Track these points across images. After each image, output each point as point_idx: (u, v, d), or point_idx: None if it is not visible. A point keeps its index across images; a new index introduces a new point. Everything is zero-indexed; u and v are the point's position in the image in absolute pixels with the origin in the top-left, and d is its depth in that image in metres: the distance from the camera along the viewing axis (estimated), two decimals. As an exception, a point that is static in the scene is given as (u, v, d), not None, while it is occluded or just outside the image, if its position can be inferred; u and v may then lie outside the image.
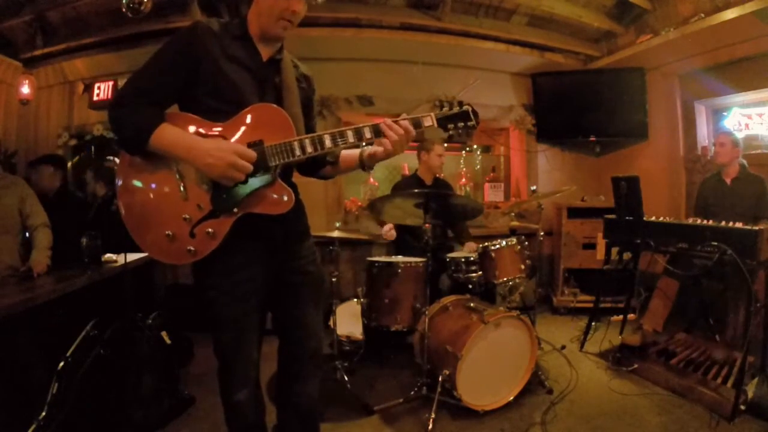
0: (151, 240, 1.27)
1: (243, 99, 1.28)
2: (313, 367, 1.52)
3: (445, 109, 1.37)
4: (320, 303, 1.55)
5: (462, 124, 1.39)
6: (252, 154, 1.22)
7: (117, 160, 1.32)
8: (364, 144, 1.39)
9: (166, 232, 1.25)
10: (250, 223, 1.28)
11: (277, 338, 1.51)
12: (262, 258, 1.37)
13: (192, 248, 1.25)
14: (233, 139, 1.25)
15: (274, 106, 1.30)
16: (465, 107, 1.38)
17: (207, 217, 1.25)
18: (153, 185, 1.28)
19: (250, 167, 1.21)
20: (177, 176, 1.26)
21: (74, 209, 3.19)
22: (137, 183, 1.28)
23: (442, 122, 1.37)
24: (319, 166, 1.54)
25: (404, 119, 1.34)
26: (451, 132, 1.39)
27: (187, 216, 1.25)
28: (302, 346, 1.48)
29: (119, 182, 1.29)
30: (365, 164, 1.46)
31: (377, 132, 1.32)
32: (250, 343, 1.40)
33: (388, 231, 3.13)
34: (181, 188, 1.26)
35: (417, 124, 1.35)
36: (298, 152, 1.26)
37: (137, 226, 1.28)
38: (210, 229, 1.25)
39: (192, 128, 1.25)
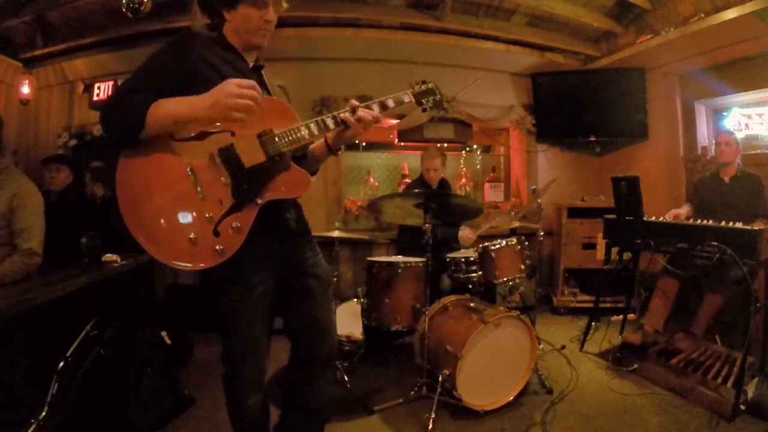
0: (174, 249, 1.20)
1: None
2: (327, 370, 1.54)
3: (417, 87, 1.52)
4: (331, 302, 1.56)
5: (431, 98, 1.52)
6: (250, 81, 1.19)
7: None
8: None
9: (189, 236, 1.20)
10: (265, 218, 1.29)
11: (289, 340, 1.50)
12: (273, 261, 1.38)
13: (220, 247, 1.21)
14: (244, 132, 1.26)
15: (276, 98, 1.37)
16: (430, 84, 1.53)
17: (230, 212, 1.23)
18: (165, 189, 1.21)
19: (254, 92, 1.18)
20: (189, 174, 1.23)
21: (78, 209, 3.20)
22: (146, 189, 1.20)
23: (418, 98, 1.50)
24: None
25: (386, 99, 1.45)
26: (424, 106, 1.52)
27: (210, 214, 1.22)
28: (318, 350, 1.48)
29: (122, 193, 1.20)
30: (333, 148, 1.49)
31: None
32: (261, 348, 1.40)
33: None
34: (197, 187, 1.22)
35: (399, 100, 1.47)
36: (306, 134, 1.31)
37: (153, 236, 1.19)
38: (236, 224, 1.23)
39: (199, 127, 1.24)
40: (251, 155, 1.25)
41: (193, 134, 1.24)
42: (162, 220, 1.20)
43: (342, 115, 1.35)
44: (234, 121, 1.19)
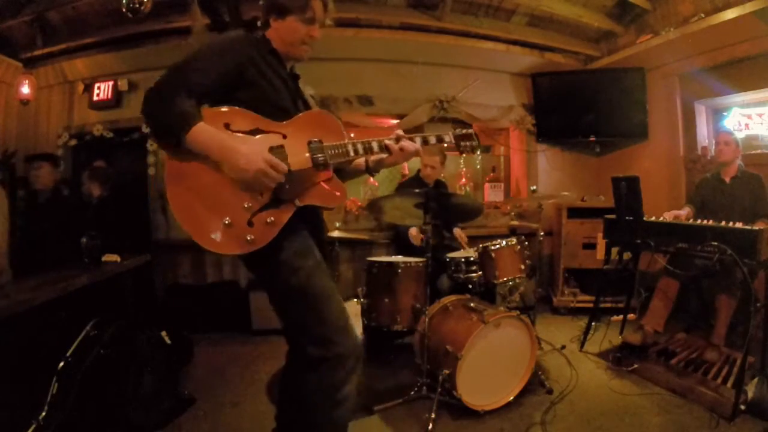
0: (207, 229, 1.26)
1: (284, 105, 1.38)
2: None
3: (458, 131, 1.63)
4: None
5: (469, 143, 1.63)
6: (283, 167, 1.26)
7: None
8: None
9: (225, 220, 1.25)
10: (301, 217, 1.34)
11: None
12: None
13: (251, 237, 1.27)
14: (296, 136, 1.34)
15: (329, 113, 1.47)
16: (471, 131, 1.64)
17: (267, 206, 1.29)
18: (210, 172, 1.27)
19: (281, 178, 1.25)
20: None
21: (68, 210, 3.17)
22: (192, 169, 1.26)
23: (457, 140, 1.62)
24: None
25: (428, 135, 1.55)
26: (462, 149, 1.64)
27: (248, 204, 1.28)
28: None
29: (169, 173, 1.27)
30: (372, 170, 1.60)
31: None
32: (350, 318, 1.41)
33: (416, 235, 3.15)
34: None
35: (440, 139, 1.57)
36: (351, 153, 1.41)
37: (191, 216, 1.26)
38: (271, 218, 1.29)
39: (253, 124, 1.30)
40: (298, 159, 1.33)
41: (248, 129, 1.30)
42: (202, 200, 1.26)
43: (387, 141, 1.46)
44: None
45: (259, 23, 1.44)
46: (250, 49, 1.34)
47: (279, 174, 1.25)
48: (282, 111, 1.36)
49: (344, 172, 1.58)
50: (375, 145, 1.44)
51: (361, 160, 1.58)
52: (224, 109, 1.29)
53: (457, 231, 3.42)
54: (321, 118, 1.43)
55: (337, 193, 1.41)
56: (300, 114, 1.38)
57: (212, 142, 1.22)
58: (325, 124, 1.42)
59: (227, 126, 1.27)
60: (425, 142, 1.53)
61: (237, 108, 1.30)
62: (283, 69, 1.43)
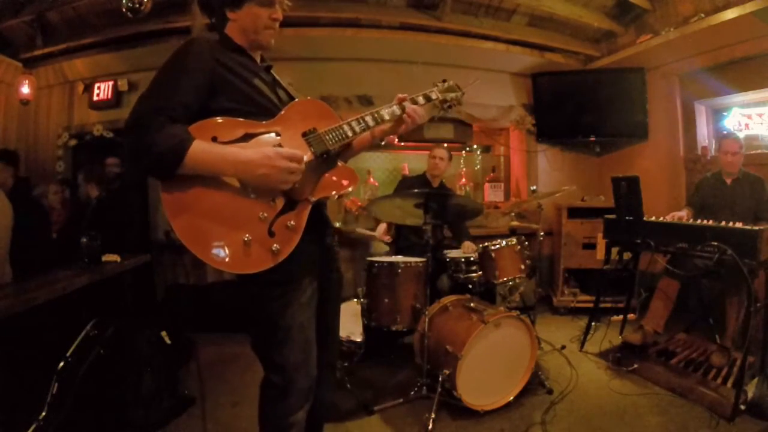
0: (229, 254, 1.15)
1: (267, 100, 1.31)
2: (330, 373, 1.52)
3: (441, 85, 1.59)
4: (340, 303, 1.57)
5: (454, 95, 1.58)
6: (299, 154, 1.19)
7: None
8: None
9: (244, 238, 1.15)
10: (311, 218, 1.27)
11: None
12: (315, 259, 1.37)
13: (276, 246, 1.18)
14: (288, 132, 1.26)
15: (315, 99, 1.39)
16: (452, 82, 1.59)
17: (283, 211, 1.22)
18: (213, 191, 1.16)
19: (302, 167, 1.19)
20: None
21: (31, 213, 3.08)
22: (193, 193, 1.15)
23: (444, 94, 1.56)
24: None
25: (417, 96, 1.50)
26: (449, 103, 1.58)
27: (264, 214, 1.19)
28: (328, 351, 1.46)
29: (168, 199, 1.13)
30: (377, 140, 1.54)
31: (403, 111, 1.46)
32: (314, 354, 1.34)
33: (383, 234, 3.12)
34: (248, 188, 1.19)
35: (427, 97, 1.52)
36: (349, 133, 1.34)
37: (204, 241, 1.14)
38: (291, 222, 1.21)
39: (240, 129, 1.20)
40: None
41: (237, 137, 1.20)
42: (213, 225, 1.15)
43: (383, 111, 1.41)
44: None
45: (213, 20, 1.36)
46: (213, 52, 1.24)
47: (300, 165, 1.18)
48: (266, 105, 1.28)
49: (350, 150, 1.50)
50: (369, 120, 1.37)
51: (366, 135, 1.47)
52: (205, 122, 1.18)
53: (467, 244, 3.34)
54: (308, 106, 1.34)
55: (349, 177, 1.35)
56: (285, 108, 1.29)
57: (218, 158, 1.12)
58: (313, 111, 1.34)
59: (215, 139, 1.16)
60: (414, 102, 1.48)
61: (219, 118, 1.19)
62: (253, 63, 1.35)
